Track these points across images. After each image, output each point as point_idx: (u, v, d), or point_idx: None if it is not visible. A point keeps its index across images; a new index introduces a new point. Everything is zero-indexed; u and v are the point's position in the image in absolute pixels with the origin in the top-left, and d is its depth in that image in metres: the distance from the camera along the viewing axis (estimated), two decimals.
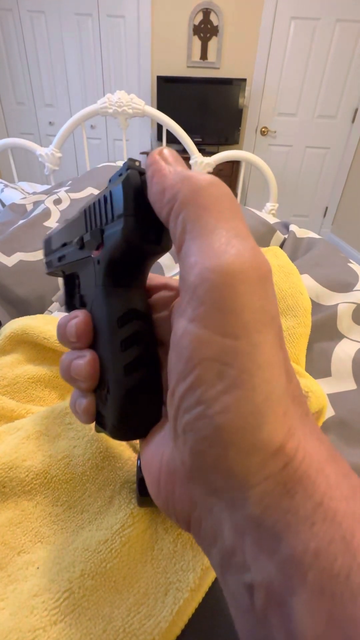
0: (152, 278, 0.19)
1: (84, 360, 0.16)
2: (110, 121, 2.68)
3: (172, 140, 1.26)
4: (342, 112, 2.53)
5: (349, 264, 0.49)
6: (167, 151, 0.14)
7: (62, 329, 0.17)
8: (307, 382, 0.32)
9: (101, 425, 0.17)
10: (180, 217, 0.12)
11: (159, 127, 2.44)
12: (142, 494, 0.21)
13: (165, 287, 0.19)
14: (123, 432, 0.16)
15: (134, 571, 0.20)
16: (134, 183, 0.14)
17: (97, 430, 0.18)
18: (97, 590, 0.19)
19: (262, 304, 0.11)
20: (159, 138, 2.52)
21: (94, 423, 0.18)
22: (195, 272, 0.11)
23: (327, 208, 2.86)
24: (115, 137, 2.75)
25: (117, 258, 0.15)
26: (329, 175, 2.74)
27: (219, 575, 0.12)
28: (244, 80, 2.40)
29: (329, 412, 0.34)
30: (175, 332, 0.12)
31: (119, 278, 0.16)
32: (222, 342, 0.10)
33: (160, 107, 2.38)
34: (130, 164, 0.15)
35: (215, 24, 2.32)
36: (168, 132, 1.16)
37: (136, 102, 1.08)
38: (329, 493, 0.10)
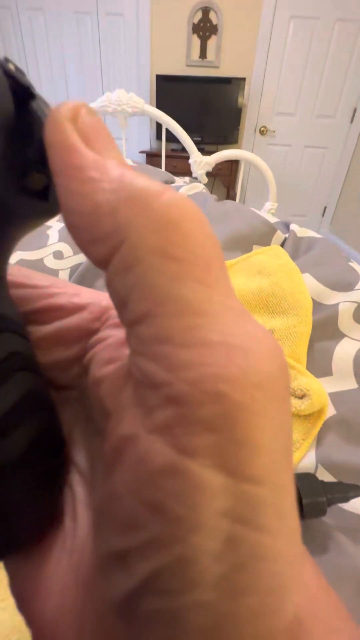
0: (45, 280, 0.11)
1: None
2: (110, 120, 2.67)
3: (172, 139, 1.26)
4: (341, 112, 2.53)
5: (350, 263, 0.49)
6: (88, 118, 0.08)
7: None
8: (308, 380, 0.32)
9: None
10: (134, 275, 0.07)
11: (158, 126, 2.44)
12: None
13: (81, 308, 0.11)
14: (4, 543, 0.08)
15: None
16: (18, 85, 0.08)
17: None
18: None
19: (285, 427, 0.07)
20: (158, 137, 2.52)
21: None
22: (193, 378, 0.06)
23: (325, 208, 2.87)
24: (114, 136, 2.72)
25: None
26: (328, 175, 2.74)
27: None
28: (243, 79, 2.40)
29: (330, 411, 0.34)
30: (138, 456, 0.07)
31: None
32: (238, 490, 0.06)
33: (159, 106, 2.38)
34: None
35: (214, 22, 2.32)
36: (167, 131, 1.16)
37: (135, 100, 1.08)
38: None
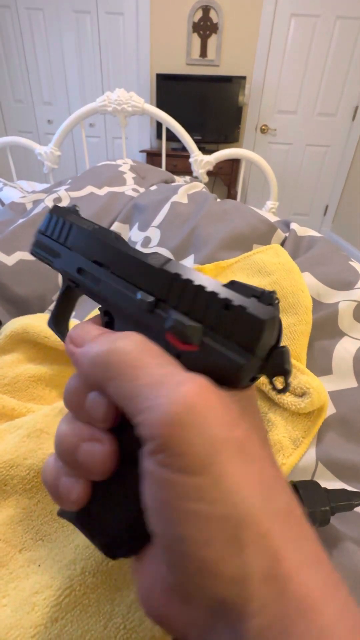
0: None
1: (102, 448, 0.13)
2: (110, 119, 2.67)
3: (172, 138, 1.26)
4: (342, 110, 2.52)
5: (350, 262, 0.49)
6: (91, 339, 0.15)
7: (76, 394, 0.14)
8: (308, 378, 0.32)
9: (85, 524, 0.14)
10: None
11: (159, 125, 2.44)
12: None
13: None
14: (125, 547, 0.14)
15: None
16: (277, 326, 0.13)
17: (79, 526, 0.15)
18: (98, 588, 0.19)
19: (216, 431, 0.11)
20: (159, 136, 2.52)
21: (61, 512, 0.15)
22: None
23: (327, 206, 2.86)
24: (114, 136, 2.75)
25: (215, 376, 0.13)
26: (329, 173, 2.73)
27: None
28: (244, 77, 2.40)
29: (330, 409, 0.34)
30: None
31: None
32: (185, 481, 0.11)
33: (159, 105, 2.38)
34: (266, 295, 0.13)
35: (214, 21, 2.31)
36: (168, 130, 1.16)
37: (135, 100, 1.08)
38: (329, 630, 0.09)
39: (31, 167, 2.71)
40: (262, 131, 2.63)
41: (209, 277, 0.14)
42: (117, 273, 0.17)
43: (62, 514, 0.15)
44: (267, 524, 0.10)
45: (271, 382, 0.14)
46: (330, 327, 0.40)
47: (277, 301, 0.13)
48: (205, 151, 1.19)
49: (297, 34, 2.33)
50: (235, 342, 0.13)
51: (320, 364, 0.38)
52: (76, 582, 0.19)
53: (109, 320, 0.17)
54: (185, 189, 0.66)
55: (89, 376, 0.14)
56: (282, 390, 0.14)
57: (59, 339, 0.33)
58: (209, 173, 1.20)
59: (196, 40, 2.38)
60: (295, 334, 0.37)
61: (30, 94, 2.68)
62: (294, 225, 0.60)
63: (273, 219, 0.66)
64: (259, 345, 0.13)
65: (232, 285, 0.14)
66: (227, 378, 0.13)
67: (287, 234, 0.59)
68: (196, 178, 1.18)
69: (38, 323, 0.35)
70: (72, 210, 0.21)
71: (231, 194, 2.60)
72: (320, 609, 0.09)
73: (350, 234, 2.60)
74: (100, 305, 0.18)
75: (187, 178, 1.15)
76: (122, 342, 0.13)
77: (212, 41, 2.38)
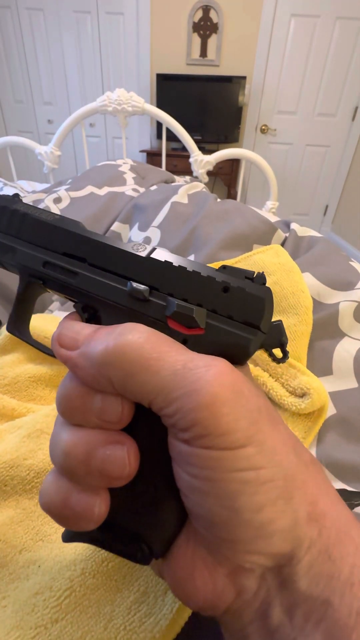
0: None
1: (124, 449, 0.13)
2: (110, 119, 2.67)
3: (172, 138, 1.26)
4: (342, 110, 2.52)
5: (350, 263, 0.49)
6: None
7: (75, 396, 0.13)
8: (308, 379, 0.32)
9: (113, 538, 0.13)
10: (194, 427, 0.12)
11: (159, 125, 2.44)
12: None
13: None
14: (165, 549, 0.13)
15: (134, 570, 0.20)
16: (272, 301, 0.14)
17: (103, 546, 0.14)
18: (98, 589, 0.19)
19: (251, 403, 0.12)
20: (159, 136, 2.52)
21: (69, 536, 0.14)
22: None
23: (327, 206, 2.86)
24: (114, 135, 2.75)
25: (224, 355, 0.14)
26: (329, 173, 2.73)
27: None
28: (244, 78, 2.40)
29: (330, 410, 0.34)
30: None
31: None
32: (233, 455, 0.11)
33: (159, 105, 2.38)
34: (258, 277, 0.15)
35: (215, 21, 2.31)
36: (168, 130, 1.16)
37: (136, 100, 1.08)
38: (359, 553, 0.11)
39: (31, 167, 2.71)
40: (262, 131, 2.63)
41: (196, 261, 0.15)
42: (96, 264, 0.16)
43: (72, 537, 0.14)
44: (303, 475, 0.12)
45: (271, 354, 0.15)
46: (331, 327, 0.40)
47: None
48: (205, 151, 1.19)
49: (297, 34, 2.33)
50: (239, 321, 0.14)
51: (321, 365, 0.38)
52: (76, 583, 0.19)
53: (90, 317, 0.17)
54: (185, 189, 0.66)
55: (95, 378, 0.12)
56: (282, 359, 0.15)
57: None
58: (209, 173, 1.20)
59: (196, 40, 2.38)
60: (295, 334, 0.37)
61: (31, 94, 2.68)
62: (294, 226, 0.60)
63: (273, 219, 0.66)
64: (263, 321, 0.14)
65: (225, 269, 0.15)
66: (235, 355, 0.14)
67: (287, 234, 0.59)
68: (196, 178, 1.18)
69: (38, 323, 0.35)
70: (14, 199, 0.19)
71: (231, 194, 2.60)
72: (350, 533, 0.11)
73: (350, 234, 2.60)
74: (74, 302, 0.17)
75: (187, 178, 1.15)
76: (131, 335, 0.13)
77: (212, 41, 2.38)
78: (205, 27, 2.34)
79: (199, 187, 0.73)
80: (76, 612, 0.18)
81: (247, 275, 0.15)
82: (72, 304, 0.18)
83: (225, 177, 2.57)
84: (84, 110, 1.08)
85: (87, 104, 1.09)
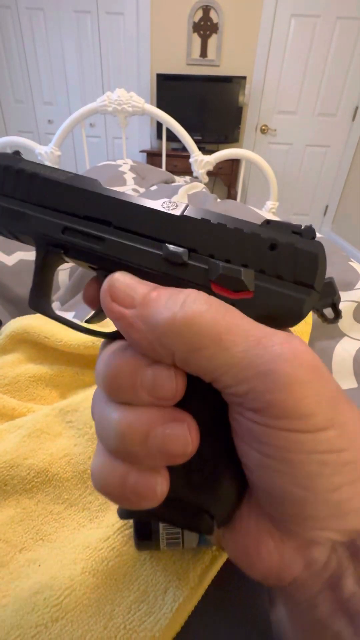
0: None
1: (184, 427, 0.12)
2: (110, 119, 2.67)
3: (172, 138, 1.26)
4: (342, 110, 2.52)
5: (350, 263, 0.49)
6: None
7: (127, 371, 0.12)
8: None
9: (179, 512, 0.13)
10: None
11: (159, 125, 2.44)
12: (141, 538, 0.18)
13: None
14: (227, 519, 0.13)
15: (134, 569, 0.20)
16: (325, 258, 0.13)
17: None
18: (98, 588, 0.19)
19: (331, 384, 0.12)
20: (159, 136, 2.52)
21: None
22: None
23: (327, 206, 2.86)
24: (114, 136, 2.75)
25: (275, 318, 0.13)
26: (329, 173, 2.73)
27: (324, 620, 0.11)
28: (244, 78, 2.40)
29: None
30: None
31: None
32: (314, 438, 0.11)
33: (159, 105, 2.38)
34: (307, 230, 0.13)
35: (215, 21, 2.31)
36: (168, 130, 1.16)
37: (136, 100, 1.08)
38: None
39: None
40: (262, 131, 2.63)
41: (236, 218, 0.14)
42: (124, 227, 0.14)
43: (131, 514, 0.14)
44: None
45: (322, 314, 0.14)
46: (330, 327, 0.40)
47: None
48: (205, 151, 1.19)
49: (297, 34, 2.33)
50: (291, 281, 0.13)
51: None
52: (76, 582, 0.19)
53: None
54: (185, 189, 0.66)
55: (152, 345, 0.11)
56: (334, 320, 0.14)
57: (59, 339, 0.33)
58: (209, 173, 1.20)
59: (196, 40, 2.38)
60: (295, 334, 0.37)
61: (31, 94, 2.68)
62: None
63: (273, 219, 0.66)
64: (317, 279, 0.13)
65: (269, 224, 0.13)
66: (287, 318, 0.13)
67: None
68: (196, 178, 1.18)
69: (38, 323, 0.35)
70: (16, 157, 0.16)
71: (231, 194, 2.60)
72: None
73: (350, 234, 2.60)
74: (99, 271, 0.15)
75: (187, 178, 1.15)
76: (200, 305, 0.11)
77: (212, 41, 2.38)
78: (205, 27, 2.34)
79: (199, 187, 0.73)
80: (76, 611, 0.18)
81: (295, 230, 0.13)
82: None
83: (225, 177, 2.57)
84: (84, 110, 1.08)
85: (87, 104, 1.09)
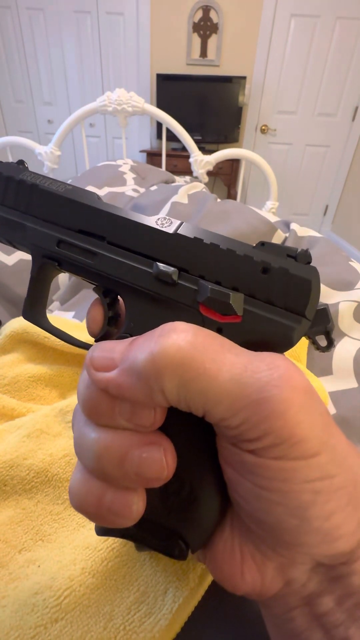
0: None
1: (161, 451, 0.12)
2: (110, 119, 2.67)
3: (172, 138, 1.26)
4: (342, 110, 2.52)
5: (350, 263, 0.49)
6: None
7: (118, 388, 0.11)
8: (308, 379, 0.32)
9: (152, 535, 0.13)
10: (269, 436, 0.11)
11: (159, 125, 2.44)
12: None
13: None
14: (202, 544, 0.13)
15: (134, 570, 0.20)
16: (319, 285, 0.13)
17: (139, 549, 0.15)
18: (98, 589, 0.19)
19: (321, 407, 0.11)
20: (159, 136, 2.52)
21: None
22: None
23: (327, 206, 2.86)
24: (114, 135, 2.75)
25: (264, 345, 0.12)
26: (329, 173, 2.73)
27: (300, 632, 0.12)
28: (244, 78, 2.40)
29: (331, 410, 0.34)
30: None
31: None
32: (307, 464, 0.11)
33: (159, 105, 2.38)
34: (302, 254, 0.13)
35: (215, 21, 2.31)
36: (168, 130, 1.16)
37: (136, 100, 1.08)
38: None
39: (31, 167, 2.66)
40: (262, 131, 2.63)
41: (230, 238, 0.13)
42: (117, 243, 0.14)
43: (107, 532, 0.14)
44: None
45: (314, 342, 0.13)
46: None
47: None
48: (205, 151, 1.19)
49: (297, 34, 2.33)
50: (282, 307, 0.12)
51: (321, 365, 0.38)
52: (76, 582, 0.19)
53: (111, 302, 0.15)
54: (185, 189, 0.66)
55: (146, 393, 0.11)
56: (327, 347, 0.14)
57: (59, 339, 0.33)
58: (209, 173, 1.20)
59: (196, 40, 2.38)
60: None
61: (31, 94, 2.68)
62: (294, 226, 0.60)
63: (273, 219, 0.66)
64: (308, 307, 0.12)
65: (263, 246, 0.13)
66: (276, 345, 0.12)
67: (287, 234, 0.59)
68: (196, 178, 1.18)
69: None
70: (19, 168, 0.16)
71: (231, 194, 2.60)
72: None
73: (350, 234, 2.60)
74: (94, 285, 0.15)
75: (187, 178, 1.15)
76: (175, 335, 0.11)
77: (212, 41, 2.38)
78: (205, 27, 2.34)
79: (199, 187, 0.73)
80: (76, 612, 0.18)
81: (290, 253, 0.13)
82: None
83: (225, 177, 2.57)
84: (84, 110, 1.08)
85: (87, 104, 1.09)
